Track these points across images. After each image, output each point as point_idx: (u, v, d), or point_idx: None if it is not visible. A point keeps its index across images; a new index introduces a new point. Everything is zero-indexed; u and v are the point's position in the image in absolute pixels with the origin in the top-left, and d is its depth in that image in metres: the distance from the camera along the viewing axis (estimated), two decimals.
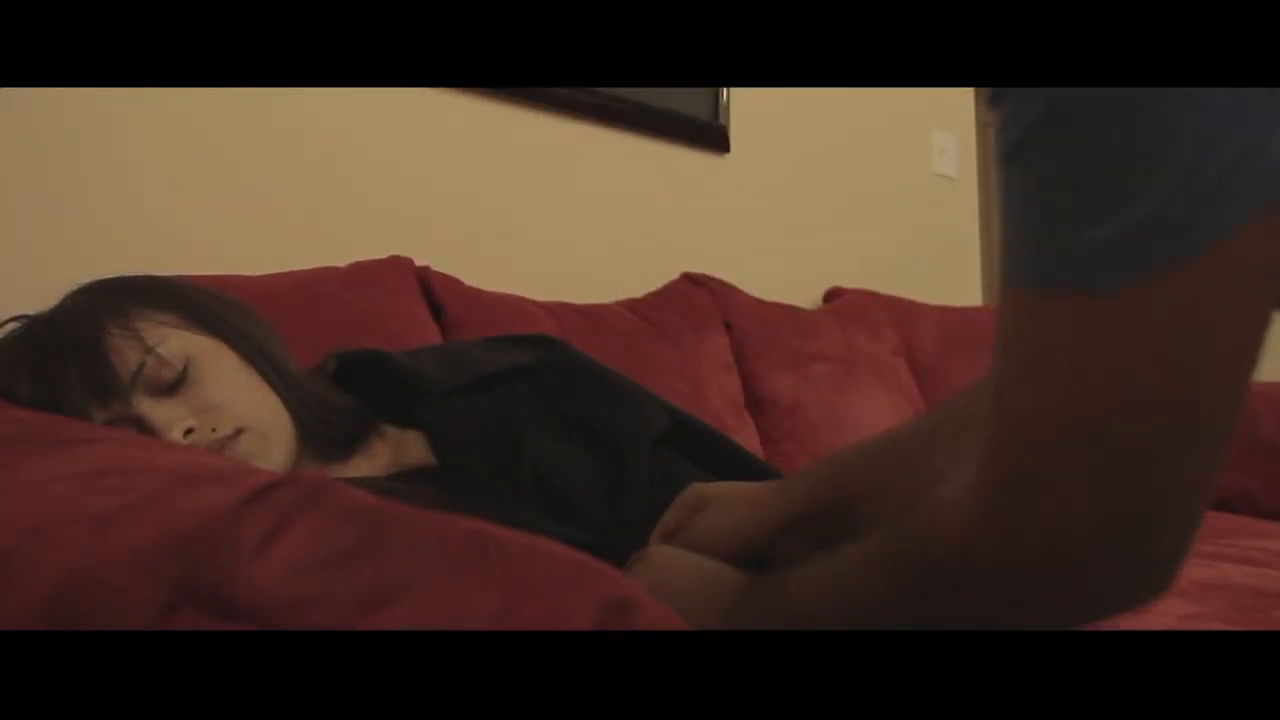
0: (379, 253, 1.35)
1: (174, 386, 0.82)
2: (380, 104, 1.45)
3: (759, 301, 1.82)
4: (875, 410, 1.76)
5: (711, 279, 1.78)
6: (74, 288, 0.88)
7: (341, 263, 1.30)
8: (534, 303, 1.47)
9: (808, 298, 2.10)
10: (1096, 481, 0.40)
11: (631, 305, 1.63)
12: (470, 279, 1.43)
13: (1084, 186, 0.37)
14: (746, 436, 1.60)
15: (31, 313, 0.86)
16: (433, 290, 1.36)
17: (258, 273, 1.20)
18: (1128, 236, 0.36)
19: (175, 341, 0.84)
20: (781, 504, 0.72)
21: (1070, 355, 0.39)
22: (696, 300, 1.71)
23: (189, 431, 0.81)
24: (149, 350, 0.82)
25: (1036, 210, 0.39)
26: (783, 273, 2.04)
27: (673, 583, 0.67)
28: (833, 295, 2.10)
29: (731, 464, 0.99)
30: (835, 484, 0.71)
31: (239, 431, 0.83)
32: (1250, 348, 0.39)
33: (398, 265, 1.35)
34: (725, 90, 1.91)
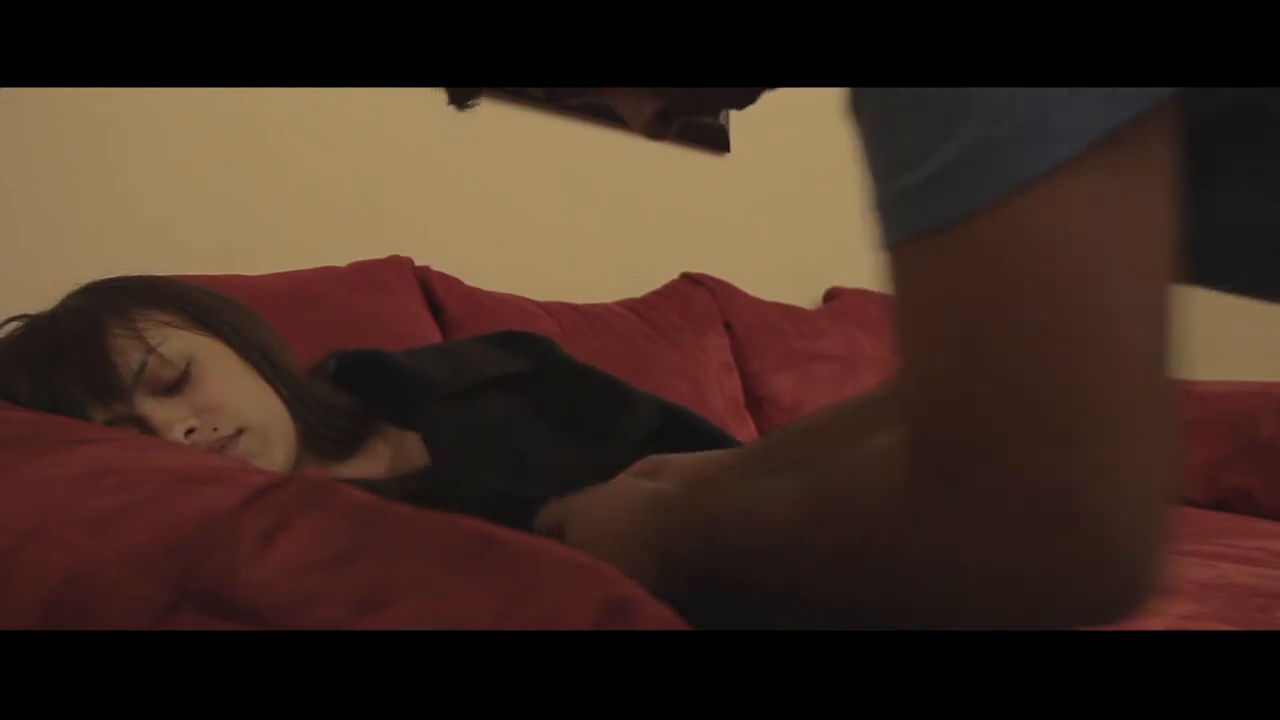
0: (379, 253, 1.35)
1: (175, 386, 0.83)
2: (380, 104, 1.45)
3: (759, 301, 1.82)
4: None
5: (711, 279, 1.78)
6: (74, 288, 0.88)
7: (341, 263, 1.30)
8: (534, 303, 1.47)
9: (808, 298, 2.10)
10: (1014, 461, 0.35)
11: (631, 305, 1.63)
12: (470, 279, 1.43)
13: (908, 124, 0.37)
14: (746, 436, 1.60)
15: (31, 313, 0.86)
16: (433, 290, 1.36)
17: (258, 273, 1.20)
18: (948, 171, 0.36)
19: (177, 341, 0.84)
20: (738, 471, 0.73)
21: (940, 309, 0.37)
22: (696, 300, 1.71)
23: (190, 431, 0.81)
24: (151, 350, 0.82)
25: (874, 160, 0.40)
26: (783, 273, 2.04)
27: (603, 491, 0.65)
28: (833, 295, 2.10)
29: None
30: (789, 451, 0.71)
31: (240, 431, 0.83)
32: (1137, 289, 0.35)
33: (398, 265, 1.35)
34: None
